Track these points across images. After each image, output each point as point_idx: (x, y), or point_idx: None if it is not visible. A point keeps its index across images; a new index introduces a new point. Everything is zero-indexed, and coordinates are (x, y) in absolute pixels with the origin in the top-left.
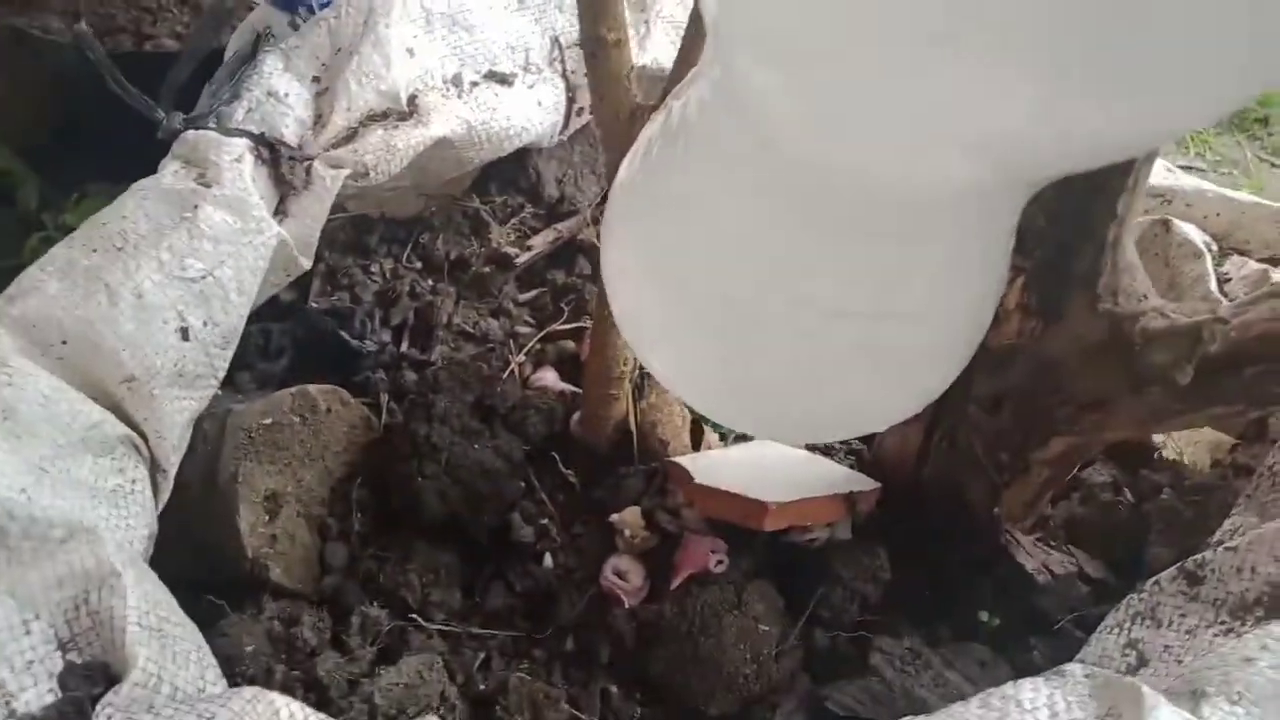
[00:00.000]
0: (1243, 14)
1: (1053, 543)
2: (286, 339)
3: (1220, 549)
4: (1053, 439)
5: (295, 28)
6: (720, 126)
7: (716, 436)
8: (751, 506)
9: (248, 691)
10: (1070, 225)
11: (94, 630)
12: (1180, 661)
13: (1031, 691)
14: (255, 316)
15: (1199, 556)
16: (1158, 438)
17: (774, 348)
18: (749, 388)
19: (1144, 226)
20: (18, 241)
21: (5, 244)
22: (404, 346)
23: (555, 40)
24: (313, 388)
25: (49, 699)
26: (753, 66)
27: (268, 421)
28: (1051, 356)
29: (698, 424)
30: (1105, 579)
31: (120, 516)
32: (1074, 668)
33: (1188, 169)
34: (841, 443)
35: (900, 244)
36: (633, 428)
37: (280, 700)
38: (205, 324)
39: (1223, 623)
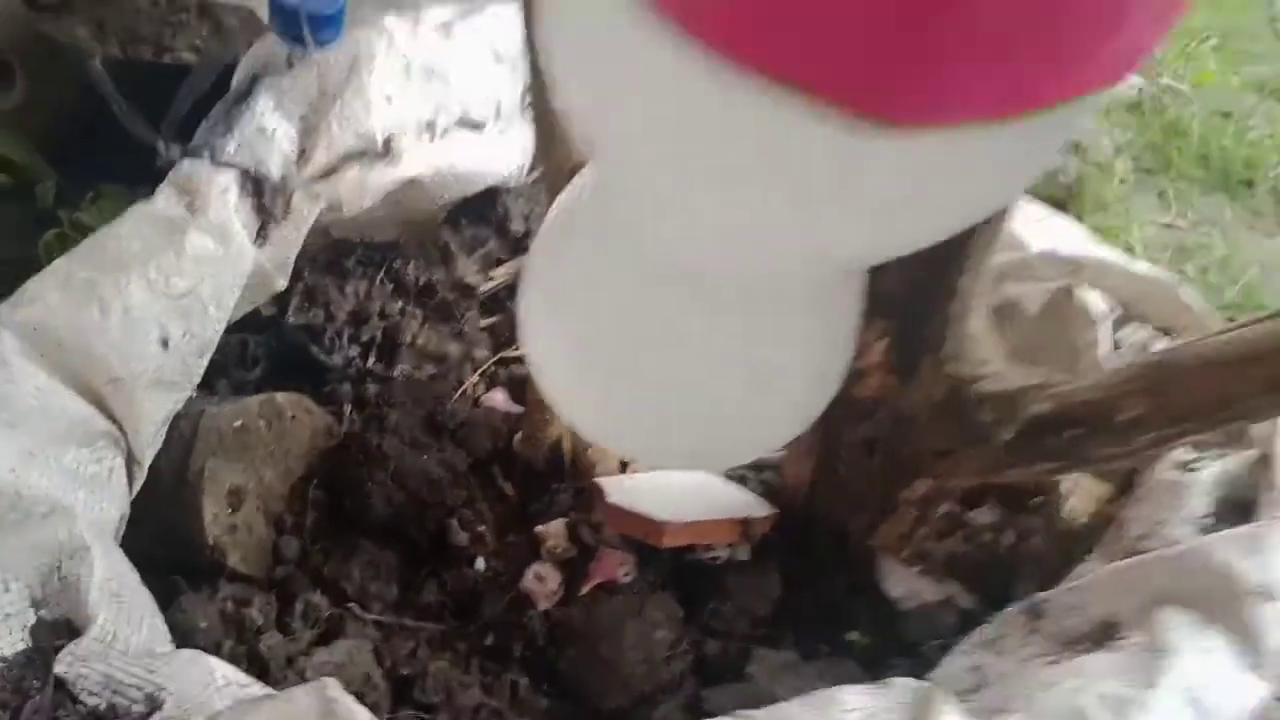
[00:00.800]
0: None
1: (933, 576)
2: (262, 350)
3: (1061, 589)
4: (915, 481)
5: (290, 65)
6: (599, 209)
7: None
8: (652, 525)
9: (187, 653)
10: (920, 298)
11: (63, 593)
12: (1009, 686)
13: (854, 695)
14: (236, 328)
15: (1044, 594)
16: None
17: (646, 397)
18: (633, 429)
19: (1050, 293)
20: (34, 235)
21: (23, 236)
22: (370, 362)
23: (527, 91)
24: (280, 395)
25: (21, 647)
26: (599, 169)
27: (237, 424)
28: (907, 410)
29: None
30: (975, 610)
31: (96, 500)
32: (904, 680)
33: (1168, 226)
34: (756, 474)
35: (753, 314)
36: (566, 449)
37: (215, 662)
38: (184, 336)
39: (1054, 654)
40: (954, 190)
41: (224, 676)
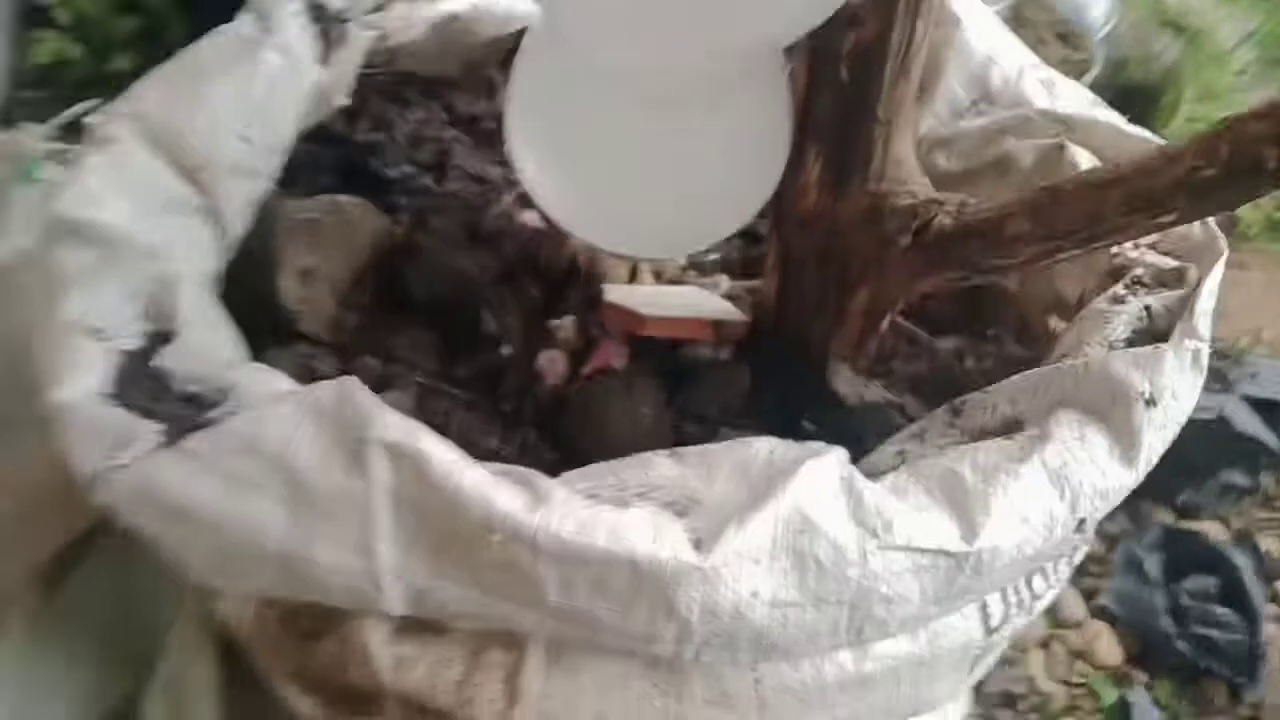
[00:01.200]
0: None
1: (894, 390)
2: (333, 161)
3: (980, 391)
4: (858, 289)
5: None
6: (551, 41)
7: (651, 275)
8: (637, 318)
9: (256, 365)
10: (846, 125)
11: (163, 311)
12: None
13: (766, 442)
14: (310, 139)
15: (964, 397)
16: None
17: (609, 191)
18: (601, 219)
19: (1043, 147)
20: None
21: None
22: (424, 179)
23: None
24: (344, 197)
25: (135, 345)
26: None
27: (306, 216)
28: (841, 223)
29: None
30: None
31: (192, 254)
32: (822, 444)
33: None
34: (746, 291)
35: (685, 115)
36: (582, 261)
37: (277, 373)
38: (260, 134)
39: (964, 443)
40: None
41: (283, 381)
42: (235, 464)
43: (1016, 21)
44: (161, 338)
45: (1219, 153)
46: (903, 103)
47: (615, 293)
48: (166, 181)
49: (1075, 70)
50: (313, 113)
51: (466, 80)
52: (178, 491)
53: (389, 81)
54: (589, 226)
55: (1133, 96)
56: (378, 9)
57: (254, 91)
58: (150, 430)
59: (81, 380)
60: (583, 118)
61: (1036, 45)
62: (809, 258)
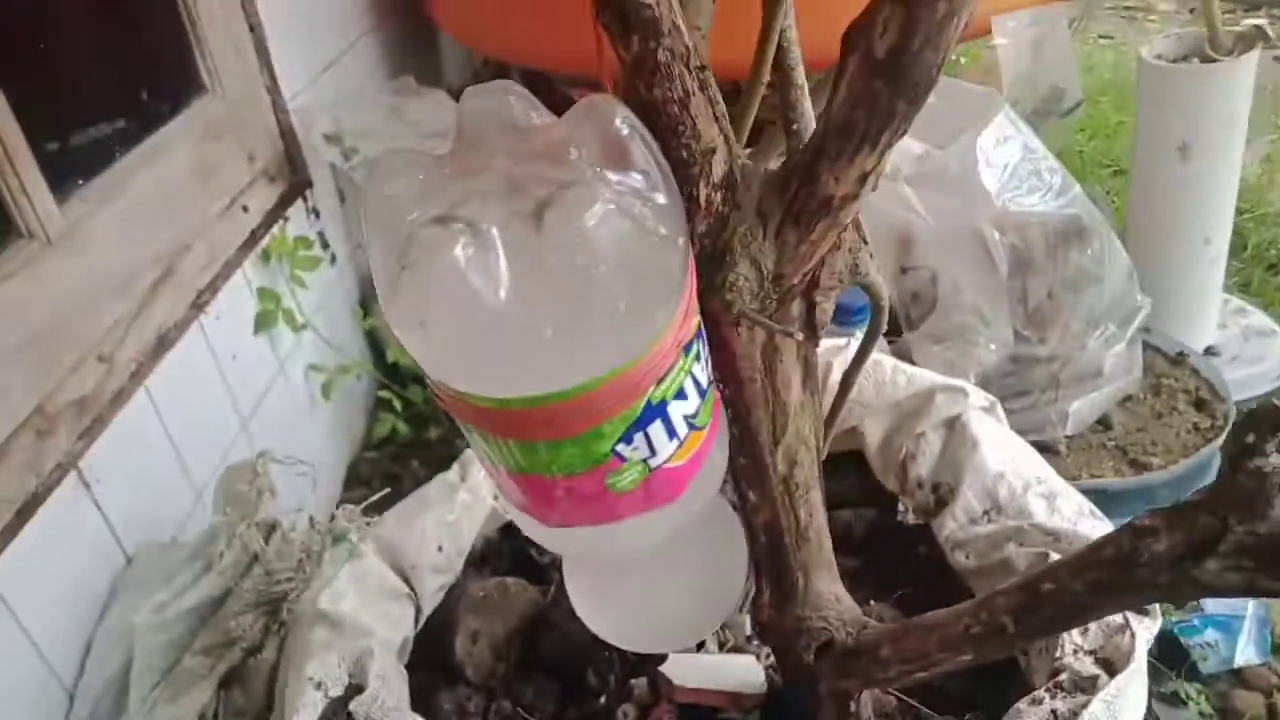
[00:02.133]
0: None
1: None
2: (504, 550)
3: None
4: (819, 682)
5: None
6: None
7: (715, 645)
8: (672, 687)
9: (409, 713)
10: (775, 572)
11: (359, 671)
12: None
13: None
14: (488, 538)
15: None
16: None
17: (621, 615)
18: (620, 631)
19: (1033, 555)
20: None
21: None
22: None
23: None
24: (509, 579)
25: (340, 692)
26: None
27: (481, 594)
28: (784, 632)
29: None
30: None
31: (391, 630)
32: None
33: None
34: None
35: (659, 568)
36: None
37: (417, 718)
38: (450, 545)
39: None
40: (621, 540)
41: None
42: None
43: (1154, 391)
44: (356, 689)
45: (981, 616)
46: (809, 557)
47: (672, 662)
48: (387, 578)
49: (1203, 437)
50: (489, 525)
51: None
52: None
53: None
54: (623, 640)
55: None
56: None
57: (449, 518)
58: None
59: (304, 715)
60: (606, 581)
61: (1168, 412)
62: (778, 653)
